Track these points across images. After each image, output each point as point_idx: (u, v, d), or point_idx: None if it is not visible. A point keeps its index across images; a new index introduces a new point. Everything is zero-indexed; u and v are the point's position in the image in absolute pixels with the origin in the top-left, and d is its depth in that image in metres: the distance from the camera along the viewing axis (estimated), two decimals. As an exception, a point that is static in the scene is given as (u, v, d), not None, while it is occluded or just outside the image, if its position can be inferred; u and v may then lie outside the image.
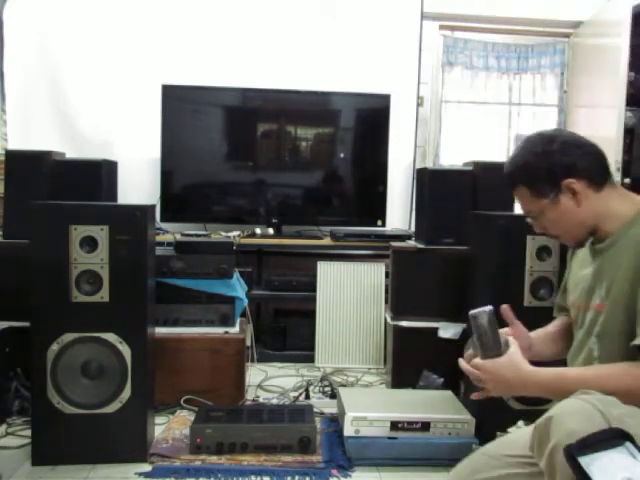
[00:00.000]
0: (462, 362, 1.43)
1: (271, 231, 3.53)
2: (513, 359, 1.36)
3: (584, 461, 1.03)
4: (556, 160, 1.39)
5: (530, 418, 1.51)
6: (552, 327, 1.67)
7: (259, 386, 2.85)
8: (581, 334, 1.45)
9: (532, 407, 2.03)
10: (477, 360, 1.39)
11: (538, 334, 1.63)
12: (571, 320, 1.57)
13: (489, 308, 1.37)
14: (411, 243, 3.07)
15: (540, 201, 1.41)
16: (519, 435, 1.53)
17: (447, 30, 4.07)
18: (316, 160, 3.72)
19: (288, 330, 3.36)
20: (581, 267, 1.52)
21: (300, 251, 3.53)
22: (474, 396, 1.44)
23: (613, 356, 1.34)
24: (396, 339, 2.79)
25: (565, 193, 1.39)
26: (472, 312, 1.38)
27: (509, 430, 1.83)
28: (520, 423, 1.86)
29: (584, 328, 1.44)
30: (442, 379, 2.59)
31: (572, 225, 1.42)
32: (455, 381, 2.55)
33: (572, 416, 1.13)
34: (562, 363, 1.54)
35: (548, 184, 1.39)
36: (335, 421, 2.36)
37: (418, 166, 3.72)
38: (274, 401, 2.63)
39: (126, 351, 2.02)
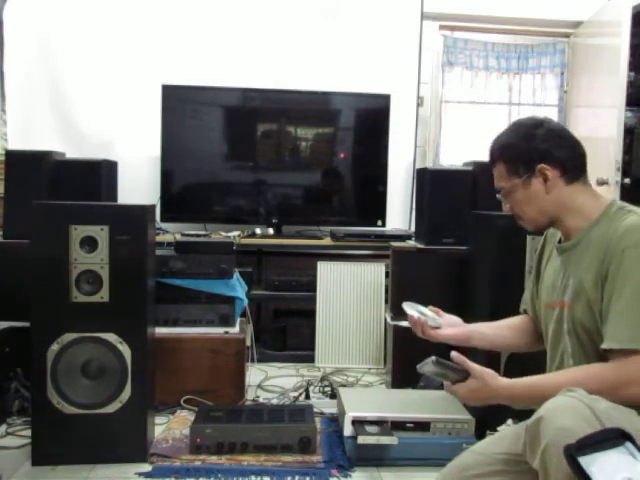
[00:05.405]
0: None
1: (271, 231, 3.53)
2: (481, 379, 1.36)
3: (584, 461, 1.03)
4: (536, 144, 1.44)
5: (520, 417, 1.52)
6: (515, 319, 1.72)
7: (259, 386, 2.85)
8: (552, 329, 1.48)
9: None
10: (448, 385, 1.43)
11: (496, 324, 1.70)
12: (533, 320, 1.64)
13: (431, 359, 1.40)
14: (411, 243, 3.07)
15: (513, 179, 1.46)
16: (507, 433, 1.55)
17: (447, 30, 4.07)
18: (316, 160, 3.71)
19: (288, 330, 3.36)
20: (549, 265, 1.56)
21: (300, 251, 3.53)
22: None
23: (584, 353, 1.38)
24: (396, 339, 2.79)
25: (537, 177, 1.44)
26: (418, 368, 1.43)
27: (499, 429, 1.84)
28: (509, 422, 1.87)
29: (554, 323, 1.47)
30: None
31: (535, 210, 1.47)
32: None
33: (561, 412, 1.13)
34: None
35: (523, 165, 1.45)
36: (335, 421, 2.36)
37: (418, 166, 3.72)
38: (274, 401, 2.63)
39: (126, 351, 2.01)
